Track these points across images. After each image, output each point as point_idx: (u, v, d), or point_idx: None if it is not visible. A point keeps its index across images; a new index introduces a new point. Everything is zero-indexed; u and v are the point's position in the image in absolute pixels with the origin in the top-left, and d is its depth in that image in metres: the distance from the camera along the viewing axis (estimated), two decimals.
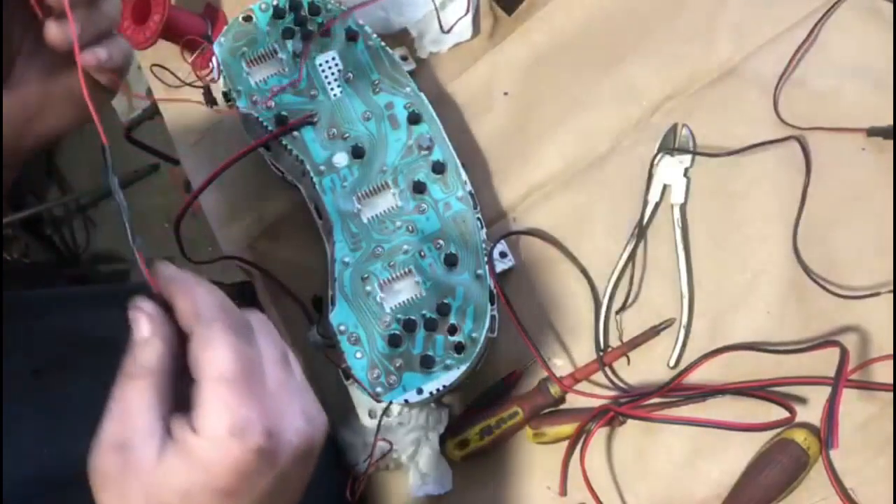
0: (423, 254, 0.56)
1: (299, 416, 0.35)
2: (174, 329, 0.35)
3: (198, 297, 0.35)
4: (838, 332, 0.54)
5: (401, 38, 0.65)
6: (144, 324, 0.35)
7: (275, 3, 0.60)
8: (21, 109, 0.41)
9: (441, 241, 0.56)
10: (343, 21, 0.59)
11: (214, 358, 0.34)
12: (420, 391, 0.54)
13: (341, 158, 0.58)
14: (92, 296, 0.71)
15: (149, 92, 0.74)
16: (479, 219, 0.57)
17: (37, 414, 0.49)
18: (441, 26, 0.63)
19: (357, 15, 0.61)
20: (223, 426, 0.33)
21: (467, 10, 0.62)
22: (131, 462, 0.33)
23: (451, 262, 0.55)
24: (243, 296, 0.70)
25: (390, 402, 0.54)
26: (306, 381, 0.38)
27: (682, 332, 0.56)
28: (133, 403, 0.34)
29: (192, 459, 0.33)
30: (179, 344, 0.35)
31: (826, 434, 0.49)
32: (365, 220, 0.57)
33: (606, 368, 0.57)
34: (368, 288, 0.55)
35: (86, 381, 0.51)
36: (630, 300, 0.58)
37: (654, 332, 0.57)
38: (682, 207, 0.58)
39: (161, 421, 0.34)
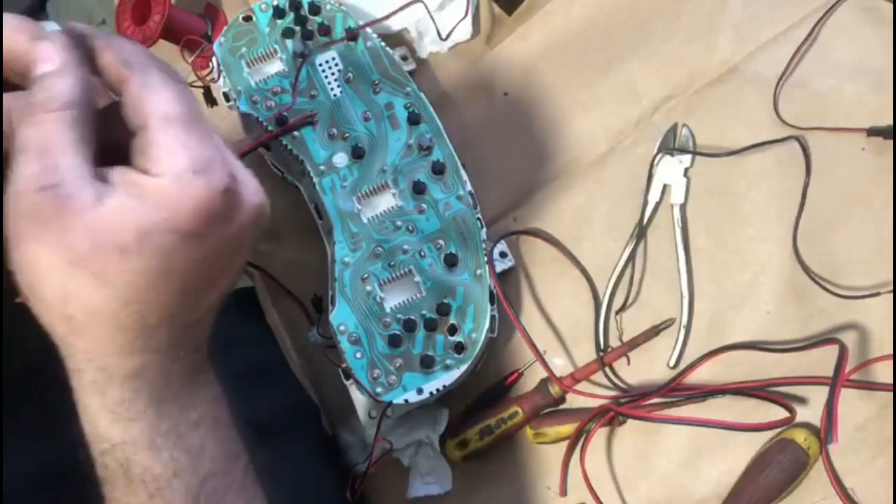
0: (423, 254, 0.56)
1: (246, 172, 0.33)
2: (88, 72, 0.31)
3: (124, 47, 0.32)
4: (838, 332, 0.54)
5: (401, 38, 0.65)
6: (54, 53, 0.30)
7: (275, 3, 0.60)
8: None
9: (441, 241, 0.56)
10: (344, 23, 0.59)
11: (162, 99, 0.30)
12: (420, 391, 0.54)
13: (341, 158, 0.58)
14: None
15: None
16: (479, 219, 0.57)
17: (37, 410, 0.49)
18: (439, 34, 0.63)
19: (357, 15, 0.61)
20: (185, 164, 0.30)
21: (466, 13, 0.62)
22: (67, 203, 0.29)
23: (451, 262, 0.55)
24: (243, 299, 0.70)
25: (390, 402, 0.54)
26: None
27: (682, 332, 0.56)
28: (54, 140, 0.29)
29: (152, 199, 0.30)
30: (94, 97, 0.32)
31: (826, 429, 0.49)
32: (365, 220, 0.57)
33: (606, 368, 0.57)
34: (368, 288, 0.55)
35: None
36: (630, 300, 0.58)
37: (654, 332, 0.57)
38: (682, 207, 0.58)
39: (89, 165, 0.30)
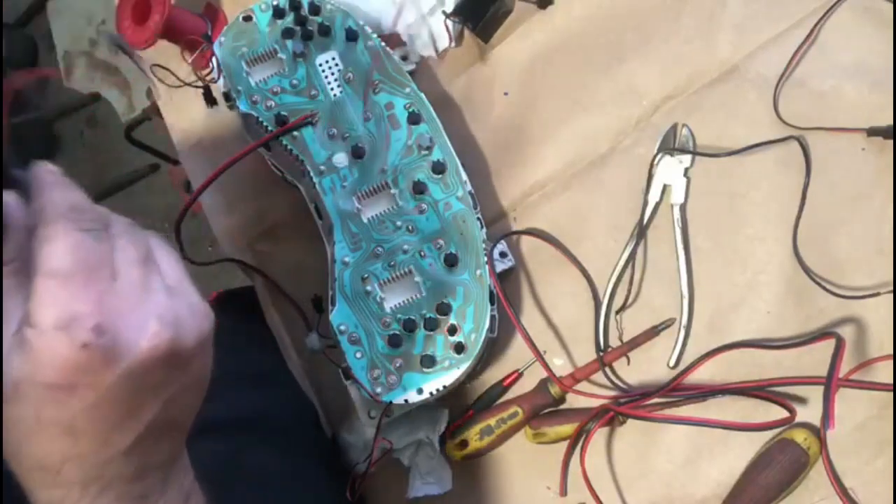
0: (423, 254, 0.56)
1: (151, 318, 0.34)
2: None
3: (45, 197, 0.34)
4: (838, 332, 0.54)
5: (400, 38, 0.64)
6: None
7: (275, 3, 0.60)
8: None
9: (441, 241, 0.56)
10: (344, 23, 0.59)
11: (49, 253, 0.33)
12: (420, 391, 0.54)
13: (341, 158, 0.58)
14: None
15: (149, 92, 0.74)
16: (479, 219, 0.57)
17: None
18: (435, 49, 0.63)
19: (356, 15, 0.61)
20: (49, 319, 0.32)
21: (450, 42, 0.63)
22: None
23: (451, 262, 0.55)
24: (243, 299, 0.70)
25: (390, 402, 0.54)
26: (185, 283, 0.37)
27: (682, 332, 0.56)
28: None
29: (25, 351, 0.32)
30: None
31: (823, 418, 0.49)
32: (365, 220, 0.57)
33: (606, 368, 0.57)
34: (368, 288, 0.55)
35: None
36: (630, 300, 0.58)
37: (654, 332, 0.57)
38: (682, 207, 0.58)
39: (14, 321, 0.33)
